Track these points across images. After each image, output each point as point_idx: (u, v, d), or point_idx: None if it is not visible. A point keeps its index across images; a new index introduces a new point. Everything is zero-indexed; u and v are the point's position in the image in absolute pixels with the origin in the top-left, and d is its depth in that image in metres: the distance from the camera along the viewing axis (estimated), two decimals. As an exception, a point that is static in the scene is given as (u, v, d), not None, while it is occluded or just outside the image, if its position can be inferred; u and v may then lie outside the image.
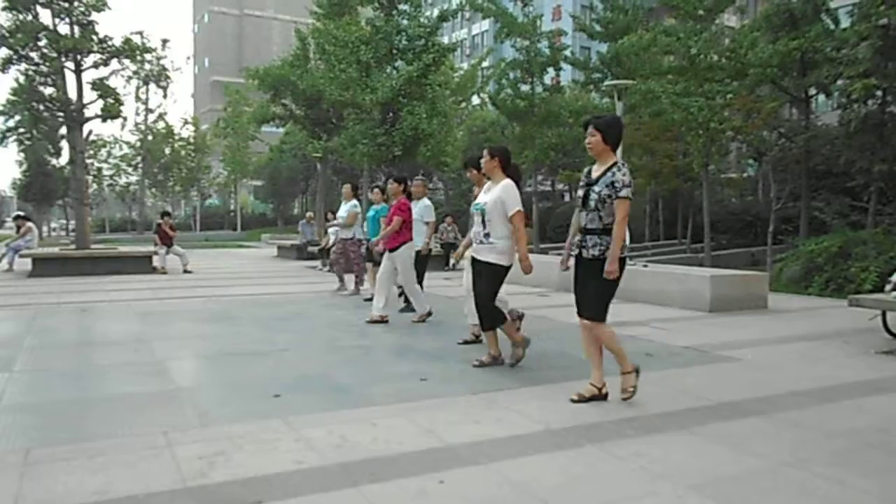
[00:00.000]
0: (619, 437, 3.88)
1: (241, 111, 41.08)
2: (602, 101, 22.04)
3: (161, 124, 45.77)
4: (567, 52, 22.08)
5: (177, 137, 46.83)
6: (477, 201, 5.71)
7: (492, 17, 21.49)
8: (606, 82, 17.77)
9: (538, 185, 30.18)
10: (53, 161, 40.83)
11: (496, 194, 5.47)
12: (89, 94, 15.18)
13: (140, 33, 16.92)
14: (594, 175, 4.57)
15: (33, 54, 14.51)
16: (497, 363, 5.64)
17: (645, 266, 10.86)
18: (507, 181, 5.50)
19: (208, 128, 49.45)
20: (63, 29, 14.78)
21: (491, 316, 5.56)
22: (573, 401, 4.53)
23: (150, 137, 45.22)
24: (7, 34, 14.11)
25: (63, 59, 14.67)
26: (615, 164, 4.48)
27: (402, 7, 16.46)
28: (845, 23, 16.27)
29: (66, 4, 14.60)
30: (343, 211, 10.92)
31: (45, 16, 14.73)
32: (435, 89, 16.62)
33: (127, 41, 15.30)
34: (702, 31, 15.19)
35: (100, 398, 4.74)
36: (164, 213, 16.19)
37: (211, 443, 3.69)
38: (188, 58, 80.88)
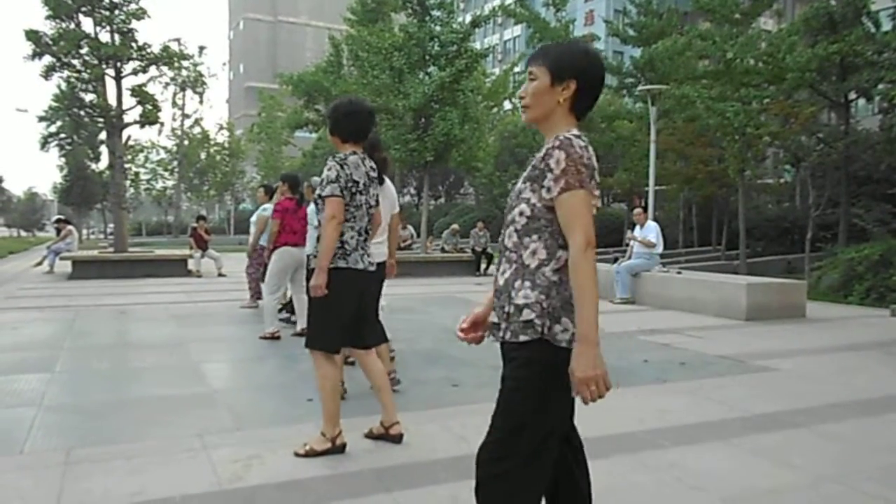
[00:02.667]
0: (652, 448, 3.83)
1: (275, 117, 41.57)
2: (635, 105, 21.85)
3: (197, 130, 46.54)
4: (600, 57, 21.94)
5: (212, 142, 47.56)
6: None
7: (524, 22, 21.47)
8: (640, 87, 17.64)
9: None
10: (93, 166, 41.74)
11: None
12: (128, 101, 15.52)
13: (178, 40, 17.24)
14: None
15: (75, 61, 14.87)
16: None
17: (678, 273, 10.74)
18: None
19: (243, 133, 50.14)
20: (104, 37, 15.13)
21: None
22: (295, 453, 3.63)
23: (186, 142, 46.00)
24: (50, 42, 14.49)
25: (104, 66, 15.01)
26: (333, 158, 3.74)
27: (436, 13, 16.51)
28: (887, 26, 15.94)
29: (108, 13, 14.94)
30: (254, 216, 9.49)
31: (86, 24, 15.11)
32: (467, 95, 16.61)
33: (165, 48, 15.61)
34: (738, 34, 14.99)
35: (136, 400, 4.83)
36: (200, 217, 16.44)
37: (246, 446, 3.74)
38: (224, 64, 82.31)
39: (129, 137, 17.23)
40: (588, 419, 4.33)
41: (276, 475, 3.34)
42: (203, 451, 3.67)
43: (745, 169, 15.71)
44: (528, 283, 1.95)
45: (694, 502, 3.12)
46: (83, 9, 14.73)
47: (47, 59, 14.75)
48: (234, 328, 8.06)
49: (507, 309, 1.98)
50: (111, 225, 39.80)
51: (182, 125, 45.67)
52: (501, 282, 2.03)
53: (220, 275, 14.87)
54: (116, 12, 15.01)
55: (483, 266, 16.43)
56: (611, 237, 22.63)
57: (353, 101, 3.85)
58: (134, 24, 15.27)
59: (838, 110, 17.44)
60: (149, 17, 15.28)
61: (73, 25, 14.85)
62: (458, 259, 16.74)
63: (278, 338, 7.05)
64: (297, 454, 3.59)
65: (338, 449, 3.64)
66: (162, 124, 17.91)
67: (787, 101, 15.46)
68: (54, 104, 24.43)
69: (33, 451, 3.68)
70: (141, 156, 45.86)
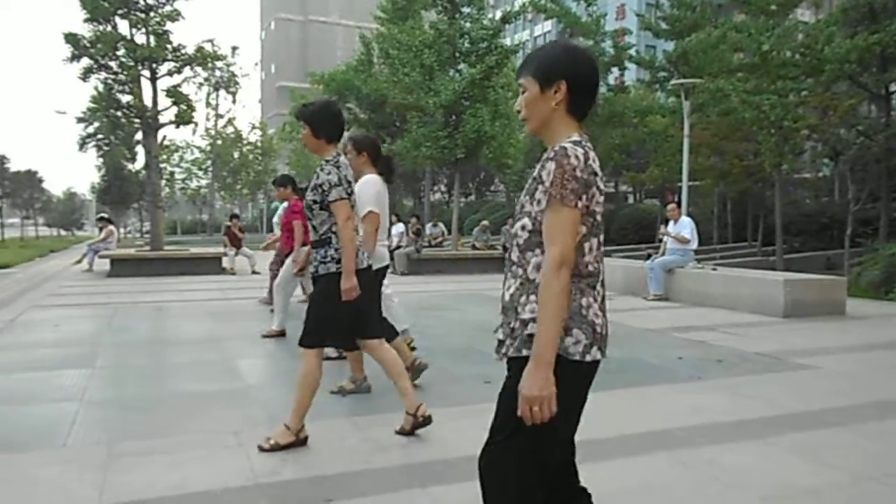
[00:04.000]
0: (689, 445, 3.79)
1: (307, 115, 41.91)
2: (668, 100, 21.58)
3: (230, 129, 47.16)
4: (632, 52, 21.73)
5: (245, 142, 48.15)
6: None
7: (555, 17, 21.34)
8: (673, 81, 17.41)
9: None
10: (129, 166, 42.55)
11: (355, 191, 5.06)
12: (164, 101, 15.79)
13: (211, 41, 17.46)
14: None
15: (112, 63, 15.16)
16: (363, 390, 4.84)
17: (714, 269, 10.59)
18: (369, 177, 4.82)
19: (275, 132, 50.65)
20: (140, 39, 15.40)
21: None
22: (259, 448, 3.63)
23: (219, 142, 46.64)
24: (88, 44, 14.79)
25: (140, 67, 15.29)
26: (324, 162, 3.72)
27: (466, 10, 16.50)
28: (930, 15, 15.47)
29: (143, 15, 15.20)
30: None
31: (123, 26, 15.39)
32: (497, 91, 16.58)
33: (199, 49, 15.85)
34: (774, 26, 14.70)
35: (174, 395, 4.91)
36: (233, 216, 16.67)
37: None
38: (256, 64, 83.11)
39: (164, 137, 17.56)
40: (623, 416, 4.32)
41: (311, 470, 3.37)
42: (239, 446, 3.72)
43: (782, 163, 15.42)
44: (534, 297, 1.85)
45: (732, 501, 3.08)
46: (119, 11, 15.00)
47: (85, 62, 15.06)
48: (267, 325, 8.15)
49: (513, 324, 1.90)
50: (147, 224, 40.52)
51: (215, 125, 46.34)
52: (507, 297, 1.95)
53: (254, 272, 15.05)
54: (151, 14, 15.27)
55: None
56: (643, 233, 22.41)
57: (333, 103, 3.92)
58: (168, 25, 15.53)
59: (879, 102, 17.03)
60: (183, 18, 15.53)
61: (109, 28, 15.13)
62: (489, 256, 16.71)
63: (284, 335, 7.10)
64: (261, 448, 3.60)
65: (301, 442, 3.69)
66: (196, 124, 18.14)
67: (825, 93, 15.13)
68: (92, 106, 24.94)
69: (76, 445, 3.77)
70: (176, 155, 46.63)
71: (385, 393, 4.90)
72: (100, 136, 38.34)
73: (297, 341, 3.69)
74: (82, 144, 38.54)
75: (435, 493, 3.13)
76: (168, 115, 15.89)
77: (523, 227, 1.92)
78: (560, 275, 1.78)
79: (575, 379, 1.87)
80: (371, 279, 3.87)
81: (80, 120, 36.95)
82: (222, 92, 41.05)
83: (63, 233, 62.56)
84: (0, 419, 4.26)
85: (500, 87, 16.95)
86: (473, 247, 18.08)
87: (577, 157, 1.83)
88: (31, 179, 50.30)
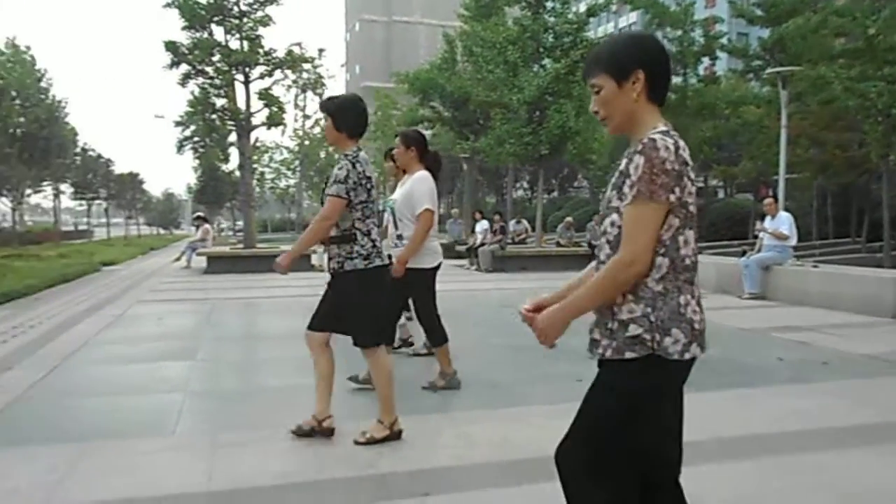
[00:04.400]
0: (796, 451, 3.61)
1: (390, 115, 42.48)
2: (762, 89, 20.68)
3: (317, 130, 48.35)
4: (723, 40, 20.94)
5: (331, 141, 49.27)
6: (391, 197, 5.00)
7: (641, 8, 20.82)
8: (769, 70, 16.65)
9: (691, 182, 28.91)
10: (223, 167, 44.34)
11: (406, 188, 4.73)
12: (256, 104, 16.35)
13: (299, 44, 17.98)
14: None
15: (208, 69, 15.82)
16: (453, 385, 4.87)
17: (815, 266, 10.07)
18: (421, 173, 4.73)
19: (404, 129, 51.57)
20: (234, 44, 16.01)
21: (429, 328, 4.93)
22: (291, 431, 3.75)
23: (306, 142, 47.91)
24: (186, 51, 15.49)
25: (234, 71, 15.89)
26: (343, 157, 3.69)
27: (550, 4, 16.33)
28: None
29: (237, 21, 15.79)
30: None
31: (218, 33, 16.03)
32: (582, 86, 16.31)
33: (289, 52, 16.34)
34: (880, 9, 13.84)
35: (270, 388, 5.07)
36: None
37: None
38: (342, 65, 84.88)
39: (256, 139, 18.15)
40: (720, 418, 4.17)
41: (407, 464, 3.41)
42: (338, 437, 3.79)
43: (890, 153, 14.51)
44: (630, 297, 1.79)
45: (845, 510, 2.92)
46: (215, 18, 15.64)
47: (184, 68, 15.78)
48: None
49: (610, 325, 1.83)
50: (239, 222, 42.10)
51: (303, 126, 47.56)
52: None
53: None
54: (245, 20, 15.83)
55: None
56: (735, 229, 21.60)
57: (359, 98, 3.86)
58: (260, 30, 16.07)
59: None
60: (274, 23, 16.02)
61: (206, 34, 15.79)
62: (574, 253, 16.49)
63: None
64: (357, 442, 3.63)
65: (395, 435, 3.69)
66: (285, 125, 18.75)
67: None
68: (189, 110, 26.12)
69: (184, 433, 3.96)
70: (266, 156, 48.23)
71: (479, 389, 4.91)
72: (196, 139, 40.05)
73: (353, 343, 3.69)
74: (180, 147, 40.33)
75: (529, 491, 3.11)
76: (260, 117, 16.46)
77: (612, 224, 1.85)
78: (626, 272, 1.75)
79: (674, 378, 1.85)
80: (386, 278, 3.84)
81: (177, 124, 38.70)
82: (309, 93, 42.25)
83: (162, 231, 65.92)
84: (116, 408, 4.53)
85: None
86: (557, 244, 17.88)
87: (666, 148, 1.74)
88: (133, 181, 53.27)
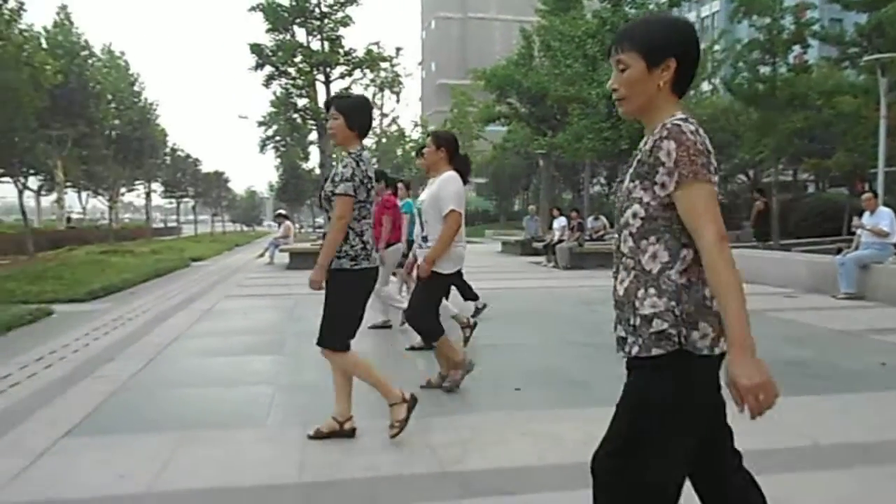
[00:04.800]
0: (904, 461, 3.42)
1: (466, 112, 42.60)
2: (859, 78, 19.61)
3: (393, 128, 49.02)
4: (815, 27, 19.98)
5: (407, 139, 49.84)
6: (422, 197, 4.90)
7: (727, -4, 20.11)
8: (867, 57, 15.79)
9: (779, 175, 27.75)
10: (303, 165, 45.53)
11: (434, 189, 4.63)
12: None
13: (377, 44, 18.23)
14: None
15: (291, 69, 16.28)
16: (469, 368, 4.81)
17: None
18: (449, 174, 4.65)
19: (435, 129, 51.99)
20: (315, 45, 16.40)
21: (427, 330, 4.84)
22: (310, 436, 3.72)
23: (383, 140, 48.62)
24: (270, 53, 15.97)
25: (315, 72, 16.28)
26: (348, 155, 3.69)
27: (630, -5, 16.03)
28: None
29: (318, 22, 16.17)
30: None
31: (300, 34, 16.46)
32: (665, 79, 15.91)
33: (368, 52, 16.62)
34: None
35: (355, 382, 5.15)
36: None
37: (461, 431, 3.86)
38: (419, 63, 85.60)
39: (337, 138, 18.50)
40: (818, 425, 3.99)
41: (493, 461, 3.41)
42: (422, 432, 3.84)
43: None
44: (653, 291, 1.73)
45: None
46: (297, 20, 16.06)
47: (267, 69, 16.28)
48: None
49: (633, 321, 1.76)
50: (318, 219, 43.09)
51: (380, 124, 48.30)
52: (622, 291, 1.81)
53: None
54: (326, 21, 16.20)
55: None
56: (827, 225, 20.60)
57: (368, 100, 3.89)
58: (341, 31, 16.40)
59: None
60: (353, 23, 16.32)
61: (288, 36, 16.24)
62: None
63: (389, 326, 7.27)
64: (392, 436, 3.66)
65: (410, 407, 3.72)
66: (363, 124, 19.08)
67: None
68: (272, 110, 26.95)
69: (275, 425, 4.09)
70: (344, 154, 49.21)
71: (562, 387, 4.86)
72: (277, 138, 41.23)
73: (317, 342, 3.72)
74: (262, 146, 41.61)
75: (619, 493, 3.06)
76: (340, 116, 16.77)
77: (634, 215, 1.77)
78: (723, 250, 1.64)
79: (706, 375, 1.74)
80: (370, 282, 3.78)
81: (260, 124, 39.96)
82: (386, 92, 42.87)
83: (245, 228, 68.22)
84: (210, 399, 4.71)
85: (666, 74, 16.20)
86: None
87: (692, 132, 1.69)
88: (218, 180, 55.31)
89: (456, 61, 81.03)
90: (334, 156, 42.66)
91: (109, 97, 30.25)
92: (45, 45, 20.86)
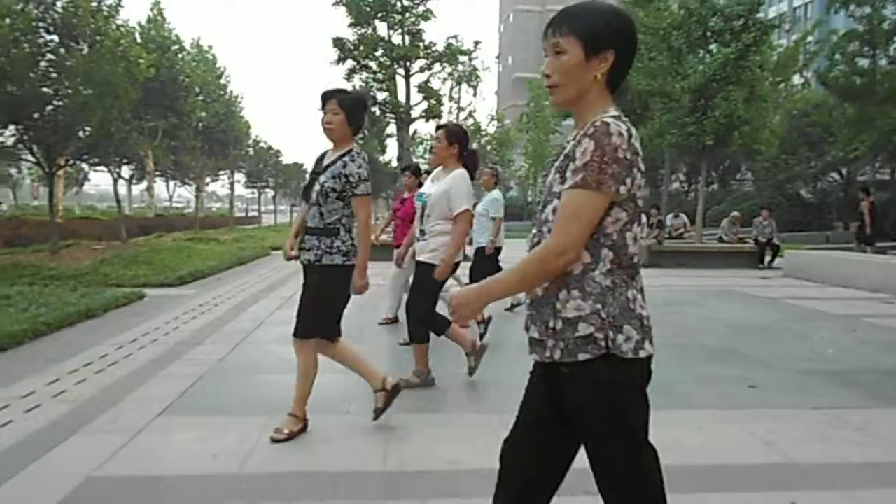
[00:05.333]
0: None
1: (543, 105, 42.18)
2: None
3: (470, 121, 49.03)
4: (920, 18, 18.82)
5: (483, 133, 49.77)
6: (422, 191, 4.86)
7: (823, -15, 19.18)
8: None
9: (876, 174, 26.34)
10: (380, 157, 46.10)
11: (444, 185, 4.53)
12: (415, 97, 16.84)
13: (455, 37, 18.25)
14: (326, 161, 3.71)
15: (372, 63, 16.49)
16: (427, 383, 4.76)
17: None
18: (460, 171, 4.55)
19: (511, 123, 51.72)
20: (396, 39, 16.57)
21: (426, 324, 4.74)
22: (273, 440, 3.60)
23: (459, 134, 48.70)
24: (352, 47, 16.22)
25: (395, 66, 16.44)
26: (349, 152, 3.64)
27: (719, -14, 15.48)
28: None
29: (399, 16, 16.31)
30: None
31: (381, 28, 16.65)
32: (754, 71, 15.30)
33: (448, 46, 16.65)
34: None
35: (443, 376, 5.18)
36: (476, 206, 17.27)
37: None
38: (497, 57, 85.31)
39: (415, 131, 18.68)
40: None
41: (579, 460, 3.36)
42: (503, 428, 3.79)
43: None
44: (576, 293, 1.65)
45: None
46: (379, 14, 16.24)
47: (349, 63, 16.54)
48: (513, 316, 8.33)
49: (552, 324, 1.67)
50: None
51: (457, 117, 48.40)
52: (540, 291, 1.71)
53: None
54: (407, 15, 16.32)
55: (768, 258, 15.09)
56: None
57: (367, 95, 3.80)
58: (421, 24, 16.49)
59: None
60: (434, 17, 16.38)
61: (370, 30, 16.44)
62: (738, 250, 15.56)
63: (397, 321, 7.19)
64: (275, 440, 3.57)
65: (304, 429, 3.71)
66: (440, 117, 19.17)
67: None
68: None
69: (357, 413, 4.15)
70: (421, 147, 49.55)
71: (660, 391, 4.74)
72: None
73: (293, 332, 3.73)
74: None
75: (709, 501, 2.96)
76: (418, 110, 16.93)
77: (554, 211, 1.68)
78: (556, 263, 1.61)
79: (631, 378, 1.71)
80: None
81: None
82: (464, 85, 42.91)
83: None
84: (293, 385, 4.81)
85: (758, 67, 15.59)
86: (720, 239, 16.92)
87: (619, 134, 1.59)
88: (298, 171, 56.67)
89: (533, 55, 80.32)
90: (411, 149, 43.17)
91: (197, 90, 31.34)
92: (139, 40, 21.82)
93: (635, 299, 1.69)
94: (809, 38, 26.72)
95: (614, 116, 1.65)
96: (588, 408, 1.70)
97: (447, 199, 4.46)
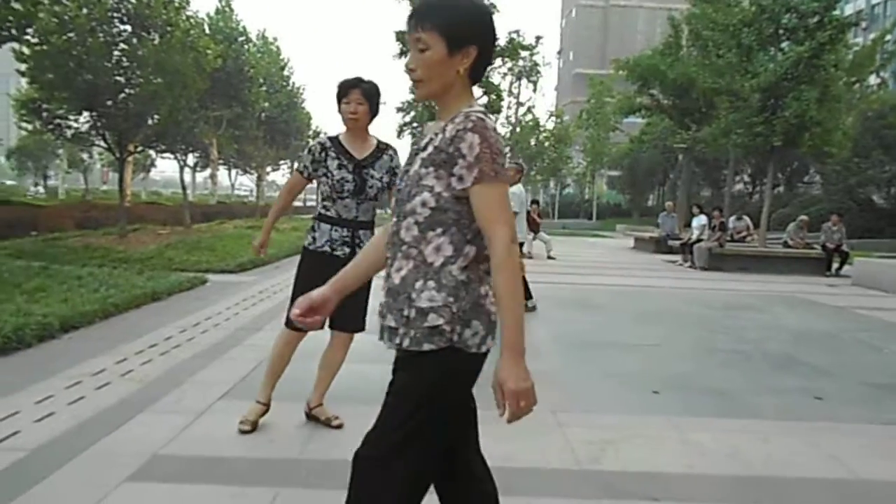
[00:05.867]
0: None
1: (604, 102, 41.59)
2: None
3: (529, 117, 48.66)
4: None
5: (542, 129, 49.35)
6: None
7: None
8: None
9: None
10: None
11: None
12: (475, 92, 16.80)
13: (517, 32, 18.08)
14: (359, 154, 3.61)
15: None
16: None
17: None
18: None
19: (570, 119, 51.16)
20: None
21: None
22: (242, 431, 3.55)
23: (518, 130, 48.41)
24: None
25: (456, 59, 16.43)
26: (389, 147, 3.71)
27: (794, -19, 14.94)
28: None
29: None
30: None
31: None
32: (828, 71, 14.72)
33: (510, 41, 16.55)
34: None
35: (492, 371, 5.17)
36: (533, 202, 17.19)
37: (596, 430, 3.78)
38: (558, 52, 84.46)
39: (473, 126, 18.67)
40: None
41: (631, 464, 3.32)
42: (558, 427, 3.79)
43: None
44: (432, 284, 1.67)
45: None
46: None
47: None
48: (568, 312, 8.26)
49: (406, 312, 1.68)
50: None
51: (516, 113, 48.10)
52: (397, 280, 1.72)
53: (550, 257, 15.40)
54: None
55: (835, 266, 14.55)
56: None
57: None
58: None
59: None
60: (497, 11, 16.29)
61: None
62: (804, 255, 15.05)
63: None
64: (243, 431, 3.54)
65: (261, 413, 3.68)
66: (499, 112, 19.08)
67: None
68: (411, 97, 27.56)
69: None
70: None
71: (705, 395, 4.65)
72: (415, 125, 42.05)
73: (353, 328, 3.74)
74: (400, 132, 42.63)
75: (770, 513, 2.88)
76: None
77: (423, 204, 1.69)
78: (514, 253, 1.63)
79: (470, 372, 1.74)
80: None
81: (398, 109, 40.98)
82: (524, 80, 42.64)
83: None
84: (352, 374, 4.81)
85: (833, 66, 15.00)
86: (785, 244, 16.39)
87: (494, 129, 1.67)
88: (356, 162, 57.16)
89: (595, 51, 79.34)
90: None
91: (261, 81, 31.97)
92: (207, 31, 22.38)
93: (487, 295, 1.72)
94: (888, 37, 25.57)
95: (483, 112, 1.72)
96: (411, 378, 1.72)
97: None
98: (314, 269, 3.50)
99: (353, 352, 3.87)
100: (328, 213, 3.62)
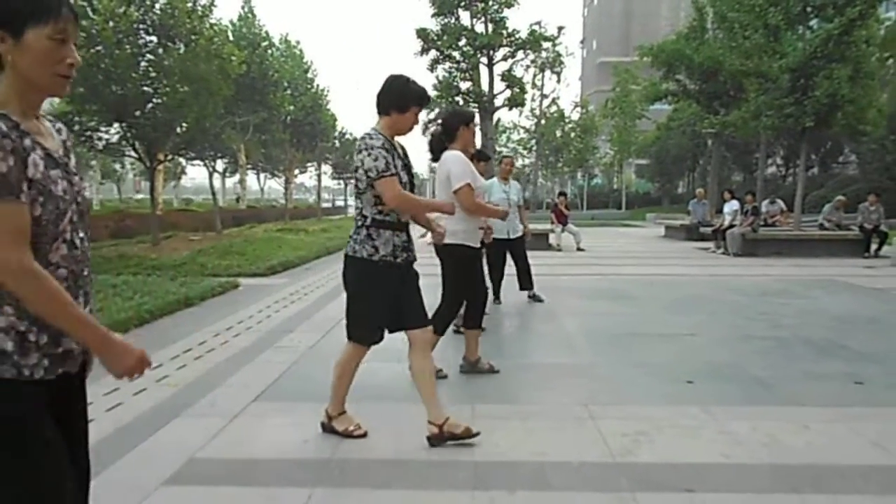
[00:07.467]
0: None
1: (629, 90, 41.13)
2: None
3: (553, 108, 48.35)
4: None
5: (567, 120, 49.01)
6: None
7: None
8: None
9: None
10: (461, 147, 46.09)
11: (442, 171, 4.53)
12: (497, 85, 16.76)
13: (538, 23, 17.95)
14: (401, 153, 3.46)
15: (455, 53, 16.48)
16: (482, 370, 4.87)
17: None
18: (449, 153, 4.57)
19: (595, 109, 50.70)
20: (479, 27, 16.48)
21: (447, 316, 4.88)
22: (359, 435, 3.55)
23: (543, 122, 48.12)
24: (436, 38, 16.26)
25: (478, 55, 16.38)
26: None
27: (820, -43, 14.61)
28: None
29: (482, 4, 16.23)
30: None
31: (464, 17, 16.62)
32: (860, 47, 14.36)
33: (532, 33, 16.44)
34: None
35: (524, 366, 5.15)
36: (561, 193, 17.08)
37: (630, 421, 3.74)
38: (581, 42, 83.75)
39: (498, 120, 18.60)
40: None
41: (666, 455, 3.27)
42: (590, 420, 3.76)
43: None
44: (10, 310, 1.49)
45: None
46: (462, 3, 16.20)
47: (432, 54, 16.59)
48: (600, 303, 8.18)
49: None
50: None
51: (540, 105, 47.83)
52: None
53: (579, 249, 15.27)
54: (490, 3, 16.21)
55: (874, 247, 14.21)
56: None
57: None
58: (504, 12, 16.34)
59: None
60: (518, 3, 16.20)
61: (453, 20, 16.43)
62: (842, 237, 14.72)
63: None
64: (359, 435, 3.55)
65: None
66: (523, 105, 18.95)
67: None
68: (435, 93, 27.64)
69: (446, 402, 4.14)
70: (504, 136, 49.28)
71: (741, 383, 4.58)
72: (440, 121, 42.04)
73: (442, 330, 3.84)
74: (424, 129, 42.64)
75: (812, 501, 2.82)
76: (501, 99, 16.82)
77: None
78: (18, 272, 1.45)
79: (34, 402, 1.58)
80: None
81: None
82: (547, 72, 42.39)
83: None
84: (384, 373, 4.86)
85: (864, 43, 14.63)
86: (821, 226, 16.05)
87: None
88: (383, 162, 57.39)
89: (618, 38, 78.39)
90: (495, 138, 43.03)
91: (286, 84, 32.26)
92: (231, 38, 22.61)
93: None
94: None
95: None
96: None
97: (447, 180, 4.47)
98: (388, 280, 3.36)
99: (377, 350, 3.84)
100: (387, 218, 3.34)
